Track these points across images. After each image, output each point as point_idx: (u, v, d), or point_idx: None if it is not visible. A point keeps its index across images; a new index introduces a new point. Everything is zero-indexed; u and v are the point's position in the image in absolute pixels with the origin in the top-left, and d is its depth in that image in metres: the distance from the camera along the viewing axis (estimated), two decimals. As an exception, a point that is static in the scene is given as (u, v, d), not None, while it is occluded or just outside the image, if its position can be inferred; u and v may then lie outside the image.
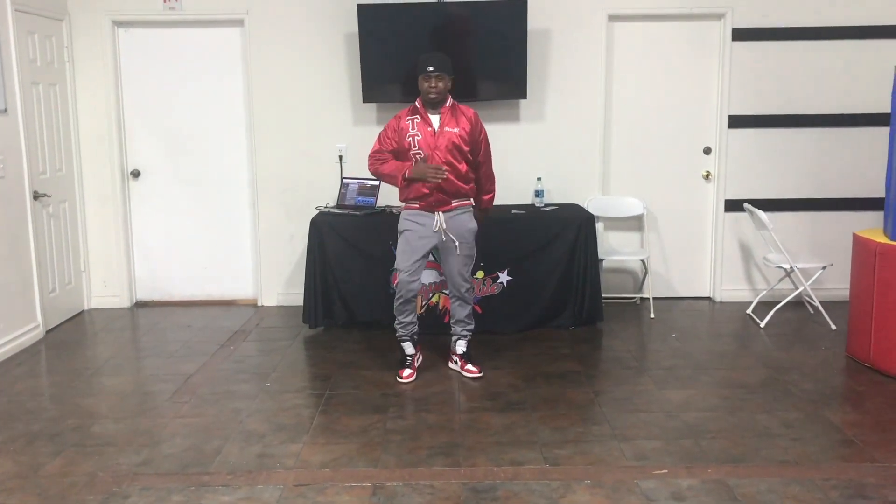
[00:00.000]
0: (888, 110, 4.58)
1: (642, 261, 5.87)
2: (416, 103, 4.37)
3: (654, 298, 5.76)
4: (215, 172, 6.01)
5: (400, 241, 4.43)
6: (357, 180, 5.62)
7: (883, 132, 4.94)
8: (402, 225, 4.42)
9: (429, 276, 5.17)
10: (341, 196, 5.61)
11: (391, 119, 4.42)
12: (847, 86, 5.76)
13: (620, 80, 5.86)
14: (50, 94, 5.50)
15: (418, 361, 4.57)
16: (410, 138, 4.30)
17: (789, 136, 5.83)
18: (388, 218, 5.34)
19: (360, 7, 5.48)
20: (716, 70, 5.83)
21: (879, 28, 5.69)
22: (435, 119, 4.31)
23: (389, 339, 4.64)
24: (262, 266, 6.02)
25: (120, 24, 5.81)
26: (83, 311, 5.95)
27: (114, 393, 4.31)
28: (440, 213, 4.33)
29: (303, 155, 5.87)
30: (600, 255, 5.52)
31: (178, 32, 5.86)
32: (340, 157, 5.83)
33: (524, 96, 5.63)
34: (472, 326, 4.59)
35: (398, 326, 4.51)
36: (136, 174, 5.99)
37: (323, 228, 5.27)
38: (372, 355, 4.84)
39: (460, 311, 4.55)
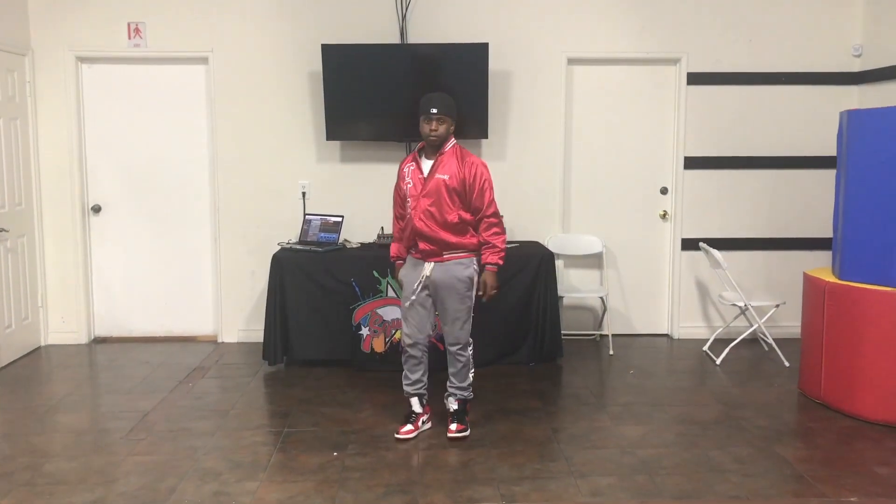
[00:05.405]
0: (835, 153, 4.74)
1: (601, 298, 5.95)
2: (417, 148, 4.15)
3: (613, 335, 5.84)
4: (177, 208, 6.00)
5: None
6: (319, 216, 5.65)
7: (831, 174, 5.10)
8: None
9: (392, 313, 5.20)
10: (303, 232, 5.63)
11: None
12: (797, 129, 5.95)
13: (580, 121, 6.00)
14: (10, 129, 5.48)
15: (423, 424, 4.21)
16: (406, 187, 4.08)
17: (743, 178, 6.00)
18: (351, 254, 5.38)
19: (325, 47, 5.56)
20: (672, 113, 5.99)
21: (824, 74, 5.91)
22: (427, 165, 4.04)
23: (349, 376, 4.64)
24: (222, 302, 5.99)
25: (83, 59, 5.82)
26: (40, 348, 5.86)
27: (68, 431, 4.25)
28: (431, 262, 4.04)
29: (265, 191, 5.89)
30: (560, 292, 5.61)
31: (142, 69, 5.89)
32: (304, 194, 5.87)
33: (486, 136, 5.72)
34: (463, 389, 4.19)
35: (403, 380, 4.24)
36: (96, 209, 5.96)
37: (284, 264, 5.28)
38: (332, 393, 4.83)
39: (450, 367, 4.19)
